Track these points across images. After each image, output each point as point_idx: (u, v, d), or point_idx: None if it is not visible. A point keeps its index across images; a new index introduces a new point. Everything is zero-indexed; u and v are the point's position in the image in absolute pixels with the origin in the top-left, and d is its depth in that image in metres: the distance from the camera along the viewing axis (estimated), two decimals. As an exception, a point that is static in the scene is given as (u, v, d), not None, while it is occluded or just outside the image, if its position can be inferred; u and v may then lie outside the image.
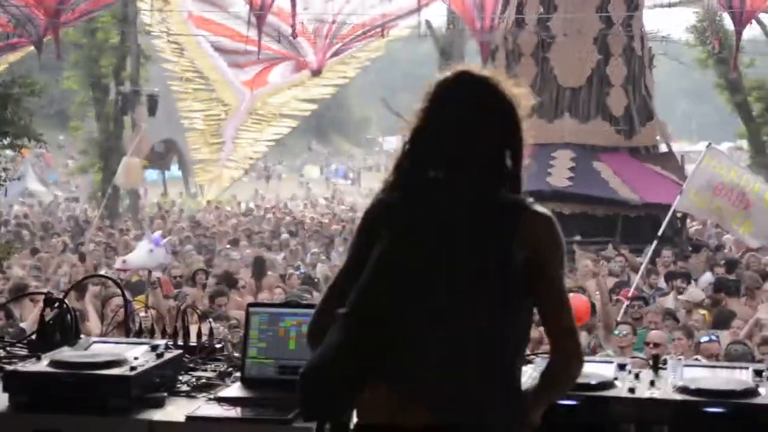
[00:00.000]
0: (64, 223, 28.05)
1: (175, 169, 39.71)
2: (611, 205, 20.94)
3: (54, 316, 4.30)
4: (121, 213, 30.74)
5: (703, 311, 11.53)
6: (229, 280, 13.13)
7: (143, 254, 12.21)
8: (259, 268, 14.25)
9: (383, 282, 2.85)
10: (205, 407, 3.60)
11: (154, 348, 3.89)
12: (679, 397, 3.24)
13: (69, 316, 4.29)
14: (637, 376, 3.44)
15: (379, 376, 2.81)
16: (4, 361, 4.16)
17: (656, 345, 8.67)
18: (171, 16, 30.67)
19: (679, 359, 3.70)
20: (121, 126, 30.48)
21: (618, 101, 22.63)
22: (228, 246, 19.80)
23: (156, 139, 33.31)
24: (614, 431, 3.19)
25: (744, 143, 35.32)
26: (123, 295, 4.42)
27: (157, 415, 3.56)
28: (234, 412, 3.56)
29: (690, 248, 19.77)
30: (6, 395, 3.66)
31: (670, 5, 29.72)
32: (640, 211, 20.84)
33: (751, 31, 31.77)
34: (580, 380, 3.02)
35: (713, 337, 8.73)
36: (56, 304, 4.33)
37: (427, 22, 34.48)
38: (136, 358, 3.76)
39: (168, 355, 3.85)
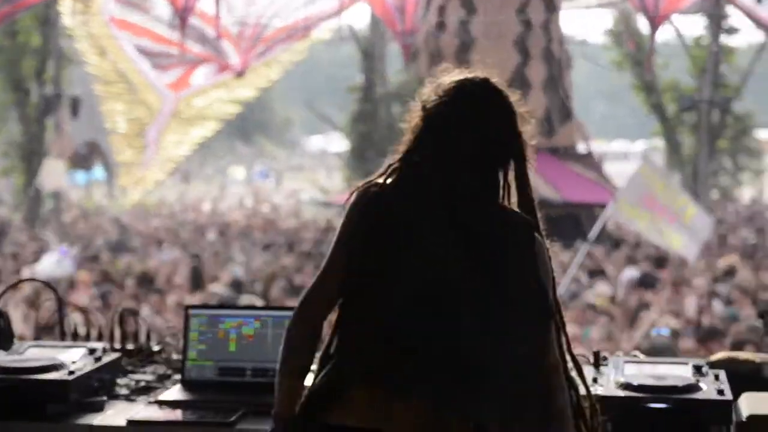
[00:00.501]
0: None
1: (98, 171, 39.30)
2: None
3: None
4: (43, 216, 30.33)
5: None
6: (147, 281, 13.11)
7: (50, 265, 12.05)
8: (195, 276, 14.08)
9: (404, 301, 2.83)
10: (145, 410, 3.64)
11: (91, 351, 3.91)
12: (621, 393, 3.32)
13: (1, 320, 4.29)
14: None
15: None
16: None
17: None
18: (92, 19, 30.36)
19: (619, 355, 3.80)
20: (43, 128, 30.09)
21: (538, 103, 22.93)
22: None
23: (79, 141, 32.93)
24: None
25: (659, 142, 35.92)
26: (57, 297, 4.43)
27: (97, 419, 3.59)
28: (175, 415, 3.60)
29: (611, 244, 20.10)
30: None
31: (587, 7, 30.17)
32: (561, 210, 21.13)
33: (665, 34, 32.33)
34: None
35: (662, 331, 8.98)
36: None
37: (349, 26, 34.59)
38: (73, 362, 3.78)
39: (106, 359, 3.88)
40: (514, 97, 3.01)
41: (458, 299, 2.79)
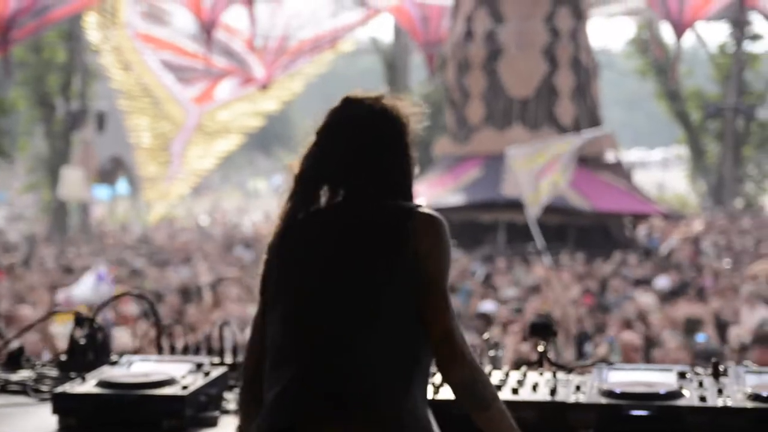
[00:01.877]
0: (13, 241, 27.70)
1: (123, 186, 39.39)
2: (563, 214, 21.13)
3: (85, 335, 4.27)
4: (70, 230, 30.42)
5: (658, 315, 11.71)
6: (187, 295, 13.09)
7: (88, 289, 11.82)
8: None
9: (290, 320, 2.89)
10: (260, 425, 3.58)
11: (199, 366, 3.87)
12: (604, 400, 3.27)
13: (101, 334, 4.27)
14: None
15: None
16: (38, 382, 4.11)
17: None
18: (117, 34, 30.47)
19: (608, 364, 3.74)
20: (69, 143, 30.18)
21: (566, 111, 22.89)
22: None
23: (104, 156, 33.04)
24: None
25: (681, 150, 35.84)
26: (155, 312, 4.40)
27: (212, 433, 3.55)
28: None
29: (642, 254, 20.04)
30: (54, 418, 3.60)
31: (610, 16, 30.13)
32: (591, 220, 21.09)
33: (688, 41, 32.34)
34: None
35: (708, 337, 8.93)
36: (87, 323, 4.30)
37: (372, 37, 34.64)
38: (183, 377, 3.74)
39: (215, 373, 3.83)
40: (405, 106, 3.02)
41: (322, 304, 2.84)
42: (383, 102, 2.99)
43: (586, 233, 21.14)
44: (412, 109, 3.01)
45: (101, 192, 38.74)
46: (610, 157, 23.79)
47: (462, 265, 17.05)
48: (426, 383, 2.87)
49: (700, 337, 9.13)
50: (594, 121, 23.32)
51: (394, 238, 2.83)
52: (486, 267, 17.31)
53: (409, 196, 2.97)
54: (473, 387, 2.82)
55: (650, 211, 23.57)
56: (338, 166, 2.94)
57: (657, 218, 23.71)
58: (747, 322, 11.29)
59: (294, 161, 3.00)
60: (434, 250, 2.86)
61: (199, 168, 33.45)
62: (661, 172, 58.06)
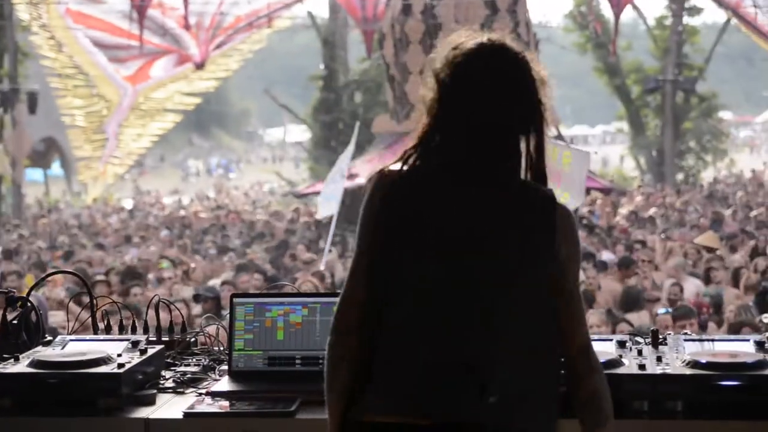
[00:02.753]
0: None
1: (57, 167, 38.86)
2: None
3: (17, 316, 4.14)
4: (4, 212, 29.94)
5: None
6: (134, 275, 12.90)
7: None
8: None
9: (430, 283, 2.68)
10: (200, 403, 3.49)
11: (135, 344, 3.76)
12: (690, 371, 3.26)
13: (34, 314, 4.14)
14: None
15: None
16: (-31, 364, 3.97)
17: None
18: (48, 12, 30.00)
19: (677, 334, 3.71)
20: (0, 125, 29.67)
21: (506, 86, 22.92)
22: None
23: (36, 137, 32.55)
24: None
25: (624, 125, 36.07)
26: (89, 291, 4.28)
27: (151, 412, 3.45)
28: (232, 406, 3.46)
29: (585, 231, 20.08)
30: (-12, 399, 3.49)
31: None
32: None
33: (627, 15, 32.54)
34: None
35: (669, 310, 8.98)
36: (18, 303, 4.17)
37: (309, 13, 34.43)
38: (119, 355, 3.64)
39: (151, 351, 3.73)
40: (533, 61, 2.80)
41: (474, 298, 2.65)
42: (531, 62, 2.78)
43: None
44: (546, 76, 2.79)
45: (35, 174, 38.17)
46: (551, 132, 23.85)
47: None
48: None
49: (661, 311, 9.15)
50: (534, 97, 23.41)
51: (546, 232, 2.67)
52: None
53: (544, 176, 2.77)
54: (601, 401, 2.74)
55: (592, 186, 23.67)
56: (480, 128, 2.71)
57: (598, 193, 23.84)
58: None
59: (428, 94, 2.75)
60: (575, 254, 2.74)
61: (136, 148, 33.15)
62: (602, 148, 58.57)
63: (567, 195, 12.25)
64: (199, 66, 30.76)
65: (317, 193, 25.05)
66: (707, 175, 33.48)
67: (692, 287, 11.68)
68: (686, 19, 32.77)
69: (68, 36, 31.03)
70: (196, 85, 32.47)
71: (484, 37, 2.84)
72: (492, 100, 2.72)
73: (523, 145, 2.76)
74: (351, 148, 14.82)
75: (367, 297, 2.74)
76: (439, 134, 2.76)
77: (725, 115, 39.89)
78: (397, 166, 2.77)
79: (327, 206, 14.28)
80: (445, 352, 2.64)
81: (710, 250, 14.53)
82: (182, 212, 27.17)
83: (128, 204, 33.79)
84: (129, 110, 31.78)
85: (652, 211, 21.87)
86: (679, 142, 32.64)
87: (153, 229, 22.56)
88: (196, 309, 10.59)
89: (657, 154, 32.71)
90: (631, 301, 11.02)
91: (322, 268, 13.35)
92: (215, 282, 12.65)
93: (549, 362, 2.70)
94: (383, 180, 2.75)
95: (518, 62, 2.78)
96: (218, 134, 60.88)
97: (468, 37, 2.86)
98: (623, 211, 22.70)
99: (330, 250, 14.68)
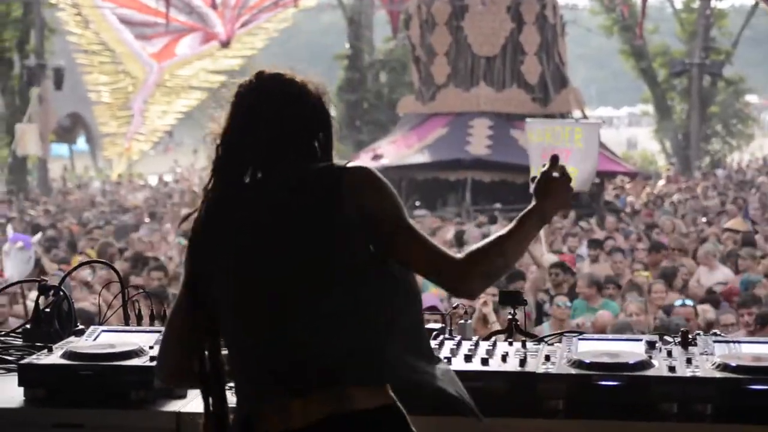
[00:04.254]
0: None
1: (82, 143, 39.01)
2: (529, 173, 21.09)
3: (50, 304, 4.17)
4: (30, 187, 30.14)
5: (645, 273, 11.71)
6: (143, 260, 12.92)
7: (21, 263, 11.39)
8: None
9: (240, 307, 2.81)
10: (232, 397, 3.51)
11: (166, 336, 3.79)
12: (573, 371, 3.25)
13: (66, 303, 4.17)
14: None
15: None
16: (3, 352, 4.02)
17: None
18: (75, -13, 30.10)
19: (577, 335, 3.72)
20: (27, 100, 29.79)
21: (532, 69, 22.83)
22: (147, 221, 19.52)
23: (62, 113, 32.68)
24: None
25: (650, 108, 35.90)
26: (120, 281, 4.30)
27: (183, 406, 3.47)
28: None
29: (608, 213, 20.06)
30: (20, 389, 3.52)
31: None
32: (558, 179, 21.08)
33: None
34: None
35: (687, 302, 8.89)
36: (51, 292, 4.20)
37: (336, -8, 34.41)
38: (151, 347, 3.66)
39: (183, 343, 3.76)
40: (314, 78, 2.92)
41: (278, 292, 2.74)
42: (295, 78, 2.88)
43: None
44: (321, 84, 2.90)
45: (60, 149, 38.34)
46: (576, 114, 23.77)
47: (428, 223, 17.02)
48: (406, 341, 2.77)
49: (678, 302, 9.05)
50: (561, 79, 23.29)
51: (332, 197, 2.74)
52: (454, 225, 17.30)
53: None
54: (488, 277, 2.82)
55: (617, 170, 23.61)
56: (262, 147, 2.82)
57: (625, 177, 23.81)
58: (705, 282, 11.35)
59: (213, 142, 2.87)
60: (381, 201, 2.78)
61: (161, 125, 33.26)
62: (628, 130, 58.28)
63: (575, 170, 12.28)
64: (225, 44, 30.82)
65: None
66: (733, 159, 33.32)
67: (721, 276, 11.65)
68: (714, 3, 32.56)
69: (95, 13, 31.11)
70: (221, 63, 32.49)
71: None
72: (270, 115, 2.84)
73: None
74: None
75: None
76: (232, 158, 2.85)
77: (752, 98, 39.66)
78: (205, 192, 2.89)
79: None
80: (274, 361, 2.75)
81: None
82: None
83: (153, 180, 33.95)
84: (154, 87, 31.89)
85: (676, 197, 21.81)
86: (705, 126, 32.48)
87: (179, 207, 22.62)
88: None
89: (683, 138, 32.56)
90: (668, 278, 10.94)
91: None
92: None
93: (370, 322, 2.73)
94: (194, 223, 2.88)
95: (287, 79, 2.89)
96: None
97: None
98: (645, 194, 22.68)
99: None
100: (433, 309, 6.19)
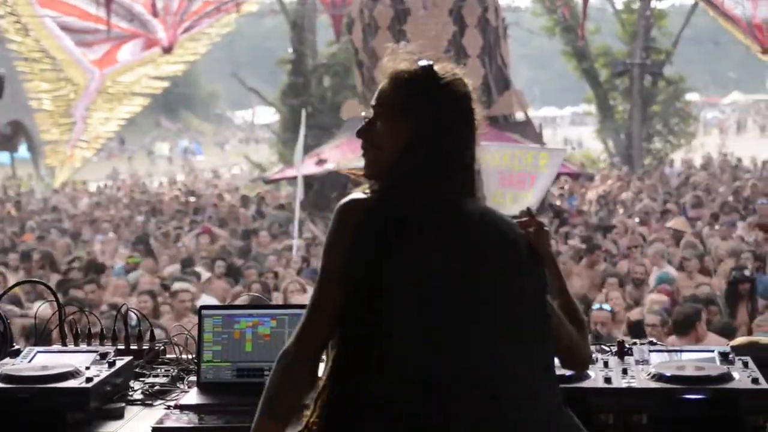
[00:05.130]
0: None
1: (23, 151, 38.57)
2: (473, 174, 21.17)
3: (-16, 326, 4.12)
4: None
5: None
6: (97, 268, 12.83)
7: None
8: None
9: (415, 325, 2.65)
10: (168, 416, 3.50)
11: (103, 356, 3.77)
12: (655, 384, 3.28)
13: (1, 324, 4.13)
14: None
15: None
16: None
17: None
18: (14, -6, 29.76)
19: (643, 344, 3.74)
20: (-32, 109, 29.44)
21: (475, 72, 22.87)
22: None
23: (2, 120, 32.31)
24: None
25: (592, 108, 36.18)
26: (57, 300, 4.26)
27: (119, 427, 3.45)
28: (201, 420, 3.47)
29: (552, 215, 20.16)
30: (-46, 414, 3.48)
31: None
32: (500, 180, 21.14)
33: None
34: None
35: (604, 306, 8.88)
36: (-14, 313, 4.15)
37: (278, -4, 34.31)
38: (87, 368, 3.64)
39: (119, 363, 3.73)
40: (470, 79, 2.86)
41: (462, 321, 2.63)
42: (462, 78, 2.81)
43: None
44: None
45: (1, 157, 37.92)
46: (519, 115, 23.88)
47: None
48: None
49: (596, 306, 9.03)
50: (504, 82, 23.38)
51: (526, 255, 2.77)
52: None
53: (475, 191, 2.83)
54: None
55: (561, 171, 23.73)
56: (443, 157, 2.74)
57: (567, 178, 23.93)
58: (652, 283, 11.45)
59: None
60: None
61: (103, 131, 32.98)
62: (570, 130, 58.66)
63: (530, 197, 12.28)
64: (167, 50, 30.59)
65: (286, 179, 25.08)
66: (675, 158, 33.64)
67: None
68: (654, 3, 32.86)
69: (35, 20, 30.79)
70: (163, 69, 32.27)
71: (437, 64, 2.82)
72: (459, 134, 2.78)
73: None
74: (300, 140, 14.92)
75: (332, 327, 2.70)
76: (409, 168, 2.75)
77: (692, 97, 40.08)
78: (364, 196, 2.76)
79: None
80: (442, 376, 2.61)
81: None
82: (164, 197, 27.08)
83: (93, 188, 33.67)
84: (96, 94, 31.59)
85: (622, 195, 21.98)
86: (647, 126, 32.77)
87: (122, 215, 22.47)
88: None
89: (625, 138, 32.83)
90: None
91: (294, 254, 13.39)
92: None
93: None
94: (350, 209, 2.73)
95: (469, 94, 2.82)
96: (187, 117, 60.66)
97: (414, 62, 2.83)
98: (591, 195, 22.80)
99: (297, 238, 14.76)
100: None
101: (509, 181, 12.21)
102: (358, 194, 2.76)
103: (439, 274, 2.64)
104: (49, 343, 4.42)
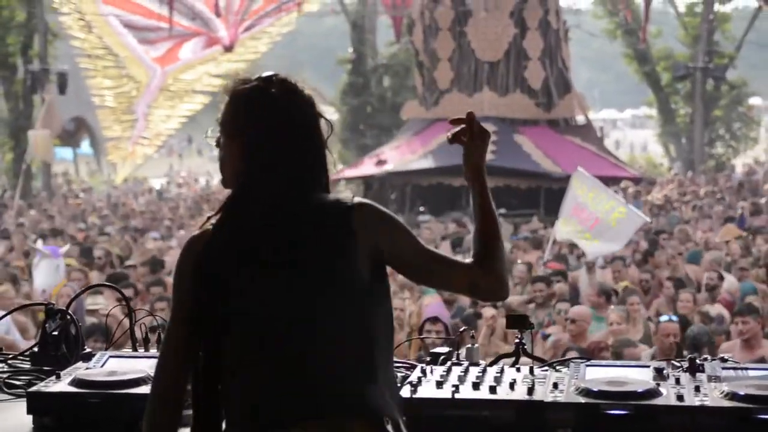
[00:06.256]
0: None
1: (86, 146, 39.07)
2: (534, 178, 21.14)
3: (57, 327, 4.17)
4: (35, 192, 30.15)
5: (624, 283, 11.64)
6: (156, 265, 12.90)
7: (52, 273, 11.39)
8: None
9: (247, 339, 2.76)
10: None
11: (174, 362, 3.79)
12: (582, 399, 3.22)
13: (73, 326, 4.17)
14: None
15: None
16: (11, 377, 4.02)
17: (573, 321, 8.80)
18: (79, -7, 30.15)
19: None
20: (30, 105, 29.84)
21: (536, 74, 22.84)
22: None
23: (66, 117, 32.71)
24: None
25: (653, 111, 35.89)
26: (127, 304, 4.30)
27: (191, 433, 3.47)
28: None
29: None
30: (29, 418, 3.52)
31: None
32: (562, 183, 21.04)
33: (658, 2, 32.29)
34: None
35: (673, 317, 8.73)
36: (58, 315, 4.20)
37: (339, -4, 34.43)
38: (159, 374, 3.66)
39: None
40: (294, 85, 2.79)
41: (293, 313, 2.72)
42: (289, 82, 2.78)
43: (557, 197, 21.16)
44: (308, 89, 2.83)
45: (64, 153, 38.43)
46: (580, 118, 23.78)
47: (433, 229, 17.01)
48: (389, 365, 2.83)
49: (664, 318, 8.90)
50: (564, 84, 23.31)
51: (346, 237, 2.73)
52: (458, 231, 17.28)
53: (327, 185, 2.84)
54: (506, 267, 2.90)
55: (621, 175, 23.62)
56: (268, 159, 2.74)
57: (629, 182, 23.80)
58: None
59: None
60: (395, 231, 2.80)
61: (164, 129, 33.31)
62: (631, 133, 58.15)
63: (589, 237, 12.22)
64: (228, 48, 30.85)
65: (345, 179, 25.16)
66: (737, 163, 33.31)
67: (726, 284, 11.58)
68: (717, 6, 32.53)
69: (98, 17, 31.15)
70: (224, 67, 32.51)
71: (244, 82, 2.78)
72: (273, 147, 2.76)
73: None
74: None
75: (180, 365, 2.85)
76: (238, 188, 2.80)
77: (755, 101, 39.64)
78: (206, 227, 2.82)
79: None
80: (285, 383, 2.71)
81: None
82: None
83: (157, 185, 33.99)
84: (158, 91, 31.91)
85: (684, 200, 21.75)
86: (709, 130, 32.46)
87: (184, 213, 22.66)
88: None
89: (686, 142, 32.54)
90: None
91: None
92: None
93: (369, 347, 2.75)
94: (191, 246, 2.79)
95: (301, 104, 2.79)
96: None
97: (239, 83, 2.80)
98: (651, 199, 22.64)
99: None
100: (436, 319, 6.15)
101: (577, 212, 12.27)
102: (203, 228, 2.82)
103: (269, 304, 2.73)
104: (111, 341, 4.45)
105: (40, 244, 12.58)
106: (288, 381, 2.72)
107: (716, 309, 9.89)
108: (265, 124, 2.75)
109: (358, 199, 2.79)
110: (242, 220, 2.77)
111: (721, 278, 11.23)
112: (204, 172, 40.82)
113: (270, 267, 2.73)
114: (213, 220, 2.81)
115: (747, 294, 10.72)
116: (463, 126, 2.97)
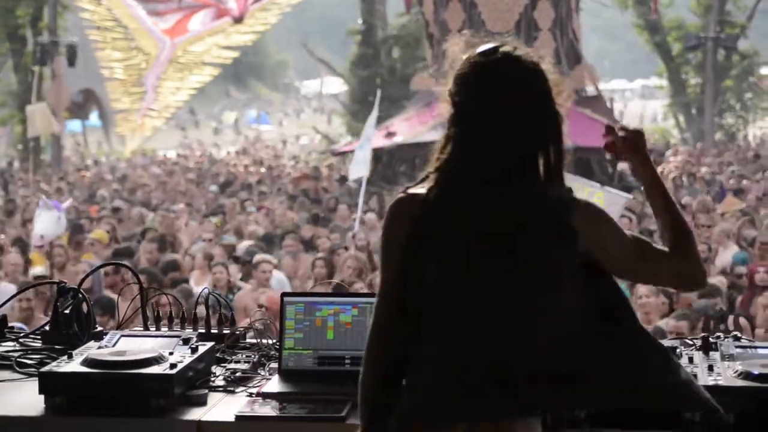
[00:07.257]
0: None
1: (95, 118, 39.06)
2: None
3: (69, 305, 4.17)
4: (44, 164, 30.19)
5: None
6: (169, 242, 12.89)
7: (53, 223, 11.49)
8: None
9: (464, 307, 2.79)
10: (251, 405, 3.51)
11: (186, 341, 3.78)
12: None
13: (85, 305, 4.17)
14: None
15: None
16: (23, 356, 4.02)
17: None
18: (88, -36, 30.03)
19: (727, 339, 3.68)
20: (40, 77, 29.80)
21: (546, 45, 22.67)
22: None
23: (75, 89, 32.69)
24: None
25: (663, 82, 35.72)
26: (139, 282, 4.30)
27: (203, 414, 3.47)
28: (284, 409, 3.47)
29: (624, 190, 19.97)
30: (40, 398, 3.53)
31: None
32: (571, 155, 20.96)
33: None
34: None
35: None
36: (70, 293, 4.20)
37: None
38: (171, 353, 3.65)
39: (202, 348, 3.74)
40: (546, 69, 2.83)
41: (508, 308, 2.76)
42: (536, 60, 2.83)
43: (568, 169, 21.11)
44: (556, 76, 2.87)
45: (73, 125, 38.45)
46: (590, 89, 23.67)
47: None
48: None
49: None
50: (575, 55, 23.17)
51: (567, 232, 2.78)
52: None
53: (562, 176, 2.86)
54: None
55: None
56: (513, 138, 2.77)
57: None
58: (718, 263, 11.32)
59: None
60: (609, 230, 2.87)
61: (174, 101, 33.25)
62: (640, 103, 57.96)
63: None
64: (238, 20, 30.72)
65: (355, 151, 25.05)
66: (748, 133, 33.21)
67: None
68: (729, -26, 32.33)
69: (107, -12, 31.07)
70: (233, 39, 32.39)
71: (494, 51, 2.84)
72: (508, 121, 2.77)
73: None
74: (374, 113, 14.94)
75: (398, 322, 2.84)
76: (458, 156, 2.84)
77: (766, 71, 39.44)
78: (416, 190, 2.84)
79: (357, 170, 14.50)
80: (482, 355, 2.75)
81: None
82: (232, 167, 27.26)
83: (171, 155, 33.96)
84: (167, 63, 31.81)
85: (694, 171, 21.68)
86: (719, 100, 32.32)
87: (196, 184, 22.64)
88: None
89: (697, 113, 32.40)
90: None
91: (355, 229, 13.39)
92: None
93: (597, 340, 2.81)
94: (404, 207, 2.82)
95: (531, 75, 2.80)
96: (255, 86, 60.89)
97: (473, 50, 2.86)
98: (661, 170, 22.53)
99: (365, 212, 14.77)
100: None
101: None
102: (414, 188, 2.85)
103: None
104: (114, 314, 4.45)
105: (44, 198, 12.64)
106: (477, 358, 2.74)
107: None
108: (506, 101, 2.77)
109: (578, 197, 2.83)
110: (464, 191, 2.80)
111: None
112: (211, 143, 40.84)
113: (489, 241, 2.76)
114: (423, 185, 2.84)
115: (737, 264, 10.73)
116: (611, 138, 3.02)
